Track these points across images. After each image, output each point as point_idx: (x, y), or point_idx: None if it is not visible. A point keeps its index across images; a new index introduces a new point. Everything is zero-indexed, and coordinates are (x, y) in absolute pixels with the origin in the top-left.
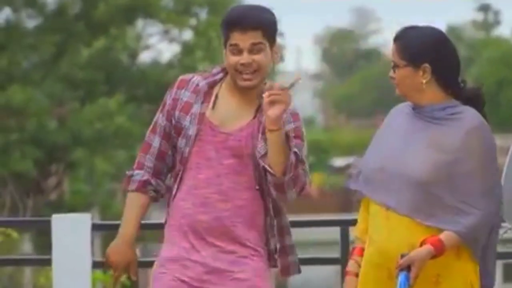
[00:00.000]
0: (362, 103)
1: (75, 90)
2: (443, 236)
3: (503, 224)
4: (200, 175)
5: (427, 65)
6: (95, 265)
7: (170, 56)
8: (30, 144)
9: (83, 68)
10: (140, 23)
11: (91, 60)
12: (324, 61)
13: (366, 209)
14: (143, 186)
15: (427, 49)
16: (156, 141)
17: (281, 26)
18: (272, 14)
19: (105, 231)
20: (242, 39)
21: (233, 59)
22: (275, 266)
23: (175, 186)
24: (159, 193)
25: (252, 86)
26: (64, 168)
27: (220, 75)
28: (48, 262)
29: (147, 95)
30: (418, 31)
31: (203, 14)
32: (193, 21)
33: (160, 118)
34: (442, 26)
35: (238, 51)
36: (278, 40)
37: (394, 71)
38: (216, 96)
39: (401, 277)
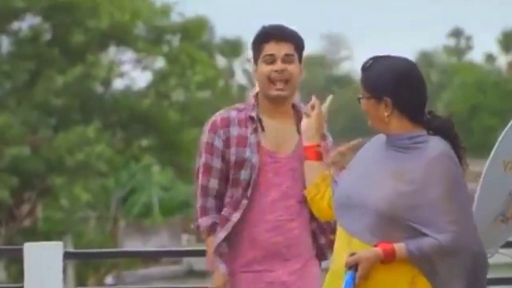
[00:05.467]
0: (333, 128)
1: (49, 118)
2: (397, 245)
3: None
4: (267, 199)
5: (387, 98)
6: None
7: (143, 83)
8: (7, 172)
9: (58, 95)
10: (112, 50)
11: (67, 87)
12: None
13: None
14: (212, 230)
15: (387, 83)
16: (212, 183)
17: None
18: (300, 35)
19: (77, 260)
20: (277, 49)
21: (267, 68)
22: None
23: (238, 214)
24: None
25: (283, 96)
26: (38, 195)
27: (255, 102)
28: None
29: (120, 123)
30: (383, 63)
31: (176, 41)
32: (165, 48)
33: (212, 160)
34: (414, 51)
35: (272, 61)
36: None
37: (359, 102)
38: (260, 121)
39: (348, 276)
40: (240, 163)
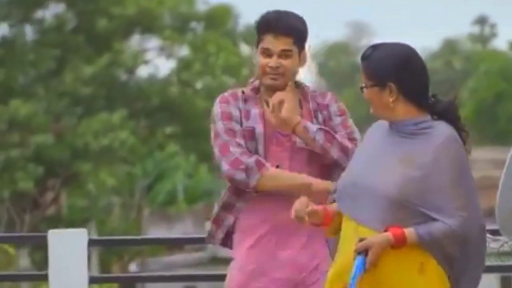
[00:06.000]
0: (357, 116)
1: (75, 106)
2: (407, 230)
3: (500, 238)
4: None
5: (391, 84)
6: (92, 280)
7: (167, 71)
8: (32, 161)
9: (86, 84)
10: (136, 38)
11: (95, 76)
12: (320, 75)
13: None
14: (262, 164)
15: (390, 68)
16: (238, 139)
17: None
18: (304, 22)
19: (101, 247)
20: (273, 43)
21: (263, 61)
22: None
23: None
24: None
25: (276, 85)
26: (62, 183)
27: (257, 82)
28: (44, 278)
29: (144, 110)
30: (382, 50)
31: (200, 29)
32: (189, 36)
33: (232, 124)
34: (438, 39)
35: (268, 55)
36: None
37: (362, 91)
38: (261, 99)
39: (358, 260)
40: (248, 133)
